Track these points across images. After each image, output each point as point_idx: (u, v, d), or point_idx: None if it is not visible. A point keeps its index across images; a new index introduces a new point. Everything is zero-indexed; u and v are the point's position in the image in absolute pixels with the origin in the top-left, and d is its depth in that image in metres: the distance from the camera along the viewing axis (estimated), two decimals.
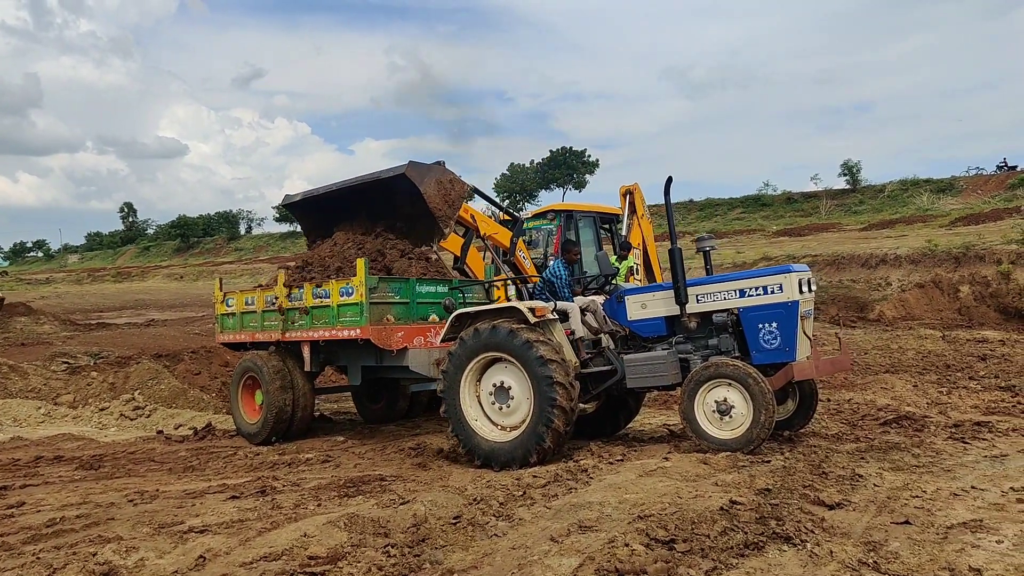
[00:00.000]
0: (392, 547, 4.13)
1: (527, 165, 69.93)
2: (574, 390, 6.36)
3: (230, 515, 5.07)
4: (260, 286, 9.82)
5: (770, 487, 4.94)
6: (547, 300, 7.11)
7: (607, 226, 9.47)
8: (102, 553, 4.19)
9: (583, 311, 7.13)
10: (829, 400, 8.96)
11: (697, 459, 5.83)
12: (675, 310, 6.82)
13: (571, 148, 69.29)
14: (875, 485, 5.08)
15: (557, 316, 6.78)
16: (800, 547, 3.90)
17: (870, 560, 3.71)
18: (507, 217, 9.59)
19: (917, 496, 4.78)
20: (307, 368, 8.77)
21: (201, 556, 4.11)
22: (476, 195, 9.11)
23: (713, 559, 3.75)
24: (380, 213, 9.05)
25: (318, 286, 8.49)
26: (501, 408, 6.62)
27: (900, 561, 3.69)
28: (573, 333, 6.92)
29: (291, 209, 10.01)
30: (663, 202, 6.88)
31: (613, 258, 10.31)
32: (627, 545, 3.91)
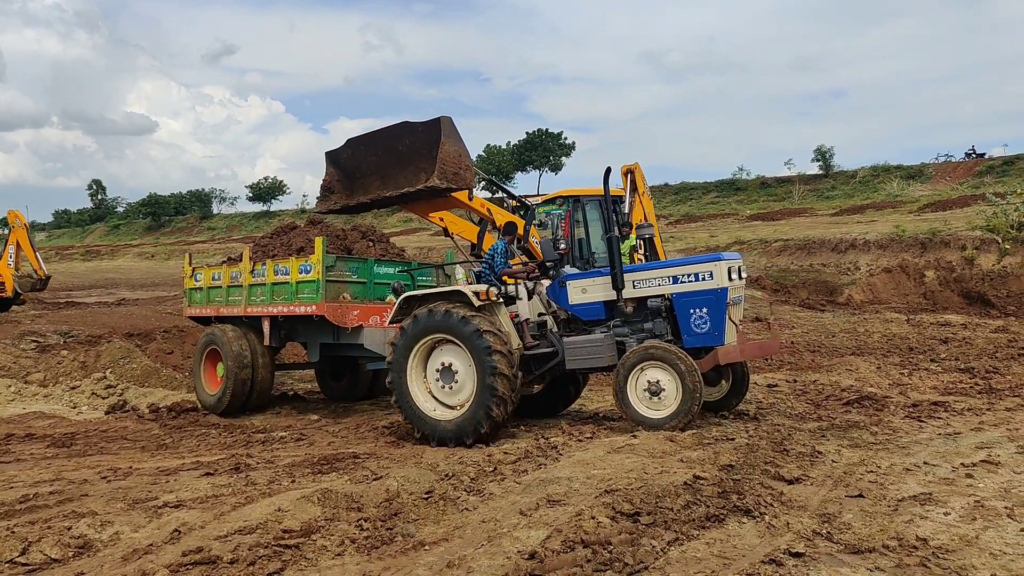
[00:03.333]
0: (365, 521, 4.23)
1: (503, 147, 69.34)
2: (513, 358, 6.62)
3: (204, 491, 5.12)
4: (227, 260, 10.08)
5: (733, 463, 5.12)
6: (491, 279, 7.34)
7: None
8: (77, 527, 4.23)
9: (529, 295, 7.37)
10: (795, 381, 9.22)
11: (664, 437, 6.00)
12: (613, 295, 7.09)
13: (547, 130, 68.52)
14: (833, 461, 5.29)
15: (502, 300, 7.03)
16: (759, 519, 4.08)
17: (823, 531, 3.89)
18: (517, 204, 9.81)
19: (872, 471, 5.00)
20: (267, 342, 9.07)
21: (176, 530, 4.16)
22: (492, 185, 9.41)
23: (675, 531, 3.90)
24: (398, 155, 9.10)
25: (279, 263, 8.76)
26: (447, 388, 6.87)
27: (852, 531, 3.87)
28: (518, 316, 7.16)
29: (332, 159, 10.00)
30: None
31: None
32: (593, 518, 4.05)
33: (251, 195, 79.21)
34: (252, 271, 9.10)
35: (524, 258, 7.86)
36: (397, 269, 9.08)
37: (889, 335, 13.33)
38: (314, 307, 8.26)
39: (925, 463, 5.17)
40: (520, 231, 8.07)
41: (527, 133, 68.60)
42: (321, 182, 10.01)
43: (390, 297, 8.60)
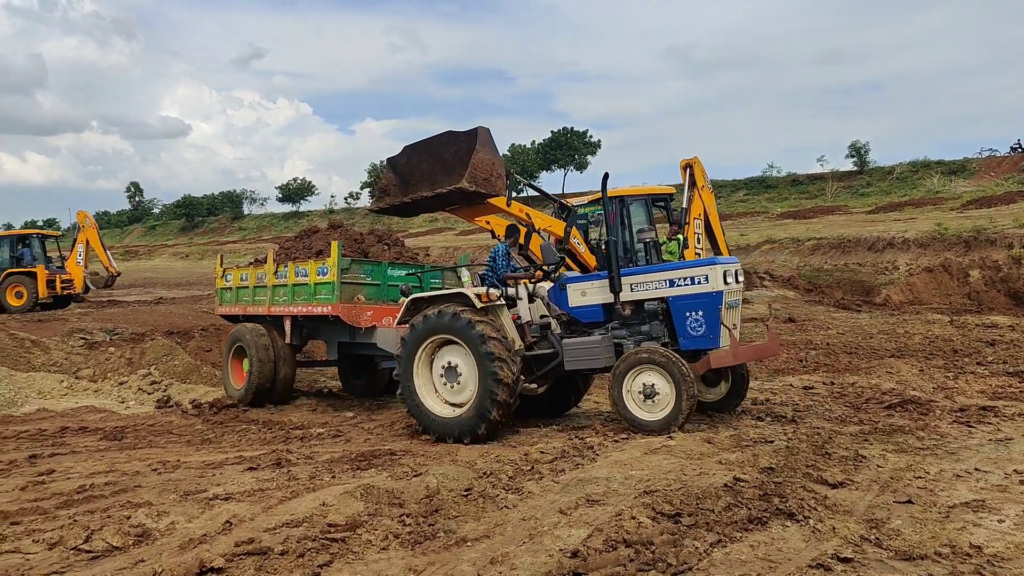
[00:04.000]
0: (407, 517, 4.29)
1: (528, 146, 68.92)
2: (515, 364, 6.74)
3: (250, 485, 5.24)
4: (253, 262, 10.55)
5: (773, 466, 5.06)
6: (493, 282, 7.47)
7: (661, 203, 9.76)
8: (135, 517, 4.40)
9: (531, 297, 7.48)
10: (832, 383, 9.05)
11: (701, 438, 5.96)
12: (611, 298, 7.17)
13: (572, 128, 67.52)
14: (878, 466, 5.18)
15: (504, 302, 7.16)
16: (803, 523, 4.03)
17: (872, 536, 3.82)
18: (558, 206, 10.03)
19: (920, 477, 4.89)
20: (288, 340, 9.57)
21: (227, 521, 4.29)
22: (531, 188, 9.94)
23: (718, 532, 3.88)
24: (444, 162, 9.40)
25: (300, 265, 9.20)
26: (451, 386, 7.05)
27: (902, 538, 3.80)
28: (520, 318, 7.27)
29: (392, 164, 10.30)
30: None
31: (663, 238, 10.53)
32: (634, 518, 4.05)
33: (281, 196, 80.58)
34: (275, 272, 9.61)
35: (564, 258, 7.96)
36: (407, 272, 9.44)
37: (931, 337, 12.99)
38: (330, 307, 8.73)
39: (976, 469, 5.05)
40: (561, 233, 8.20)
41: (552, 132, 67.91)
42: (379, 184, 10.58)
43: (402, 299, 8.88)
